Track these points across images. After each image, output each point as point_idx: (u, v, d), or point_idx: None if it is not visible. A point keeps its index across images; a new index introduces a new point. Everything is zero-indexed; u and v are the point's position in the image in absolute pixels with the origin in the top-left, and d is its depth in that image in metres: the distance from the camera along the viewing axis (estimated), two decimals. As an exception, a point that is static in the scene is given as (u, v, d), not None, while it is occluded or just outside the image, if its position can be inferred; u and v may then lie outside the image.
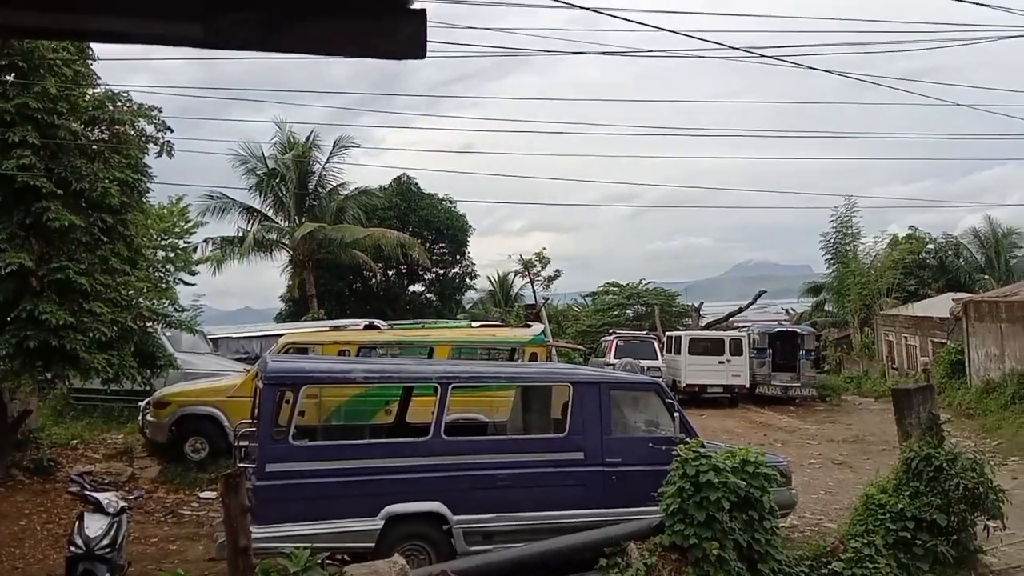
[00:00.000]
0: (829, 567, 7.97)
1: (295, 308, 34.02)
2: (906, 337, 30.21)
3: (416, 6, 1.35)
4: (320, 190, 33.98)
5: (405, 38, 1.38)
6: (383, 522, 7.77)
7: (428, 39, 1.38)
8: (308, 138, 33.04)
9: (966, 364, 23.71)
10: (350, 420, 11.86)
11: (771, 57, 10.41)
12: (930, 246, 40.17)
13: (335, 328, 17.02)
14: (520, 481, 8.27)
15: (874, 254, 36.01)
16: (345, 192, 34.41)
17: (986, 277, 36.78)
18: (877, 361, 32.90)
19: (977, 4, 9.96)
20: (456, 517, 7.96)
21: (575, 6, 8.07)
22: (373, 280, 37.52)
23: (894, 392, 10.22)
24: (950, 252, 39.99)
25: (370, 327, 15.87)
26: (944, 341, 26.32)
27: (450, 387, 8.40)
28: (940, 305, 28.57)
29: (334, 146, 32.96)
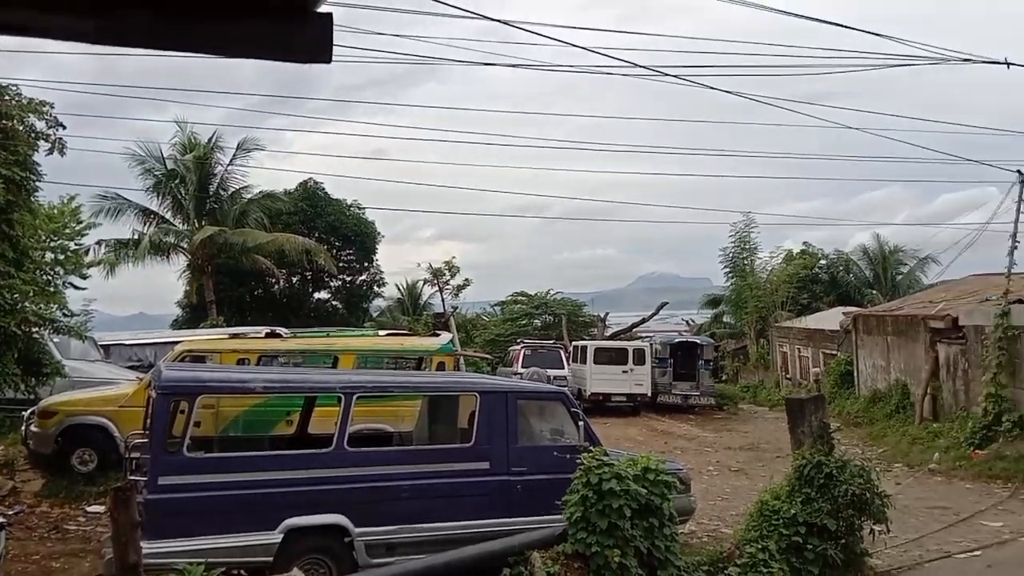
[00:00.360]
0: (725, 572, 8.18)
1: (192, 314, 32.97)
2: (799, 348, 31.53)
3: (322, 10, 1.32)
4: (222, 193, 33.08)
5: (310, 42, 1.33)
6: (282, 536, 7.58)
7: (335, 43, 1.35)
8: (211, 139, 32.13)
9: (855, 375, 24.90)
10: (249, 431, 11.53)
11: (675, 76, 10.73)
12: (823, 261, 42.13)
13: (234, 336, 16.48)
14: (425, 492, 8.21)
15: (770, 268, 37.56)
16: (248, 195, 33.61)
17: (874, 292, 38.77)
18: (772, 371, 34.22)
19: (870, 33, 10.54)
20: (358, 529, 7.83)
21: (486, 17, 8.13)
22: (276, 287, 36.70)
23: (787, 402, 10.61)
24: (841, 268, 42.02)
25: (272, 335, 15.43)
26: (835, 353, 27.58)
27: (354, 397, 8.27)
28: (831, 318, 29.93)
29: (238, 148, 32.20)
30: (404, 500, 8.12)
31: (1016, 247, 17.29)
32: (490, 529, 8.18)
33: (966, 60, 10.87)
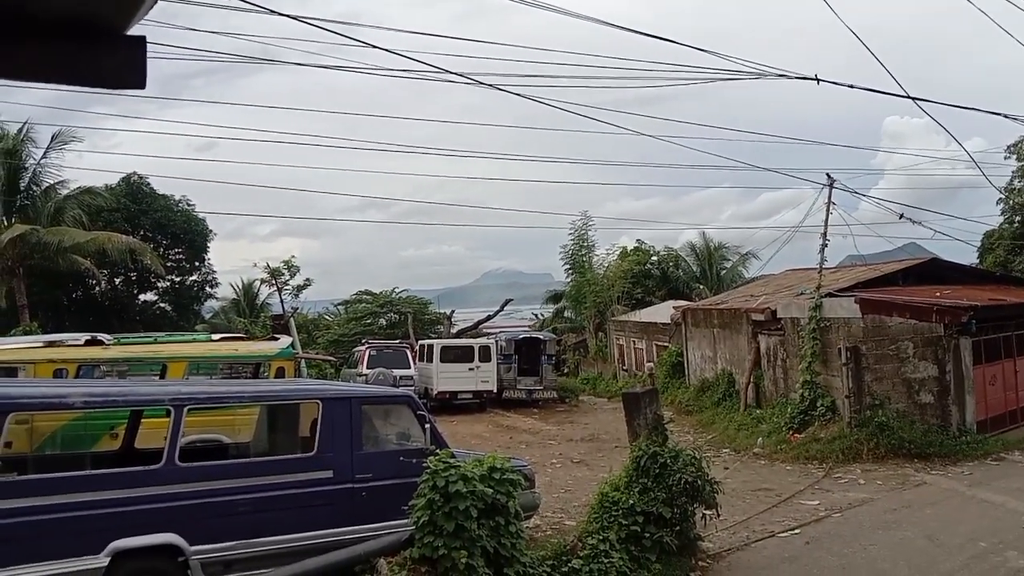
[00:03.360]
0: (569, 565, 8.42)
1: (2, 321, 30.16)
2: (634, 341, 32.90)
3: (134, 32, 1.20)
4: (34, 188, 30.51)
5: (121, 67, 1.21)
6: (108, 559, 7.08)
7: (148, 64, 1.23)
8: (21, 130, 29.54)
9: (685, 365, 26.26)
10: (69, 448, 10.67)
11: (490, 86, 10.96)
12: (654, 257, 44.20)
13: (50, 344, 15.17)
14: (264, 505, 7.90)
15: (607, 265, 38.98)
16: (65, 191, 31.20)
17: (701, 286, 41.09)
18: (610, 363, 35.52)
19: (700, 49, 11.11)
20: (193, 548, 7.43)
21: (291, 17, 7.89)
22: (97, 289, 34.32)
23: (624, 396, 11.05)
24: (671, 263, 44.26)
25: (93, 342, 14.31)
26: (667, 344, 28.97)
27: (185, 410, 7.84)
28: (663, 312, 31.40)
29: (52, 140, 29.77)
30: (242, 515, 7.78)
31: (827, 244, 18.88)
32: (335, 539, 8.02)
33: (781, 75, 11.69)
